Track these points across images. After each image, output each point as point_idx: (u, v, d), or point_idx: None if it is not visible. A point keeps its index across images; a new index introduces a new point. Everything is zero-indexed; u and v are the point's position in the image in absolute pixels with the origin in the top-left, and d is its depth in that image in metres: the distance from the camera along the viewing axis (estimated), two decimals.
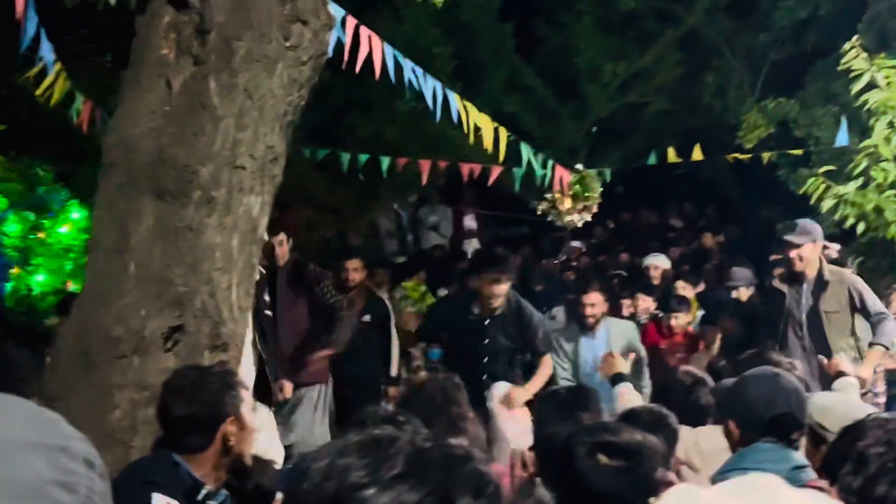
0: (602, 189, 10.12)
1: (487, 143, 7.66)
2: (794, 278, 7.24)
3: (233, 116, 4.09)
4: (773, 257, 10.16)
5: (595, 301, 8.19)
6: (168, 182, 4.01)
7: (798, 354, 7.05)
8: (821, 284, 7.16)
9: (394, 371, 9.37)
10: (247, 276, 4.19)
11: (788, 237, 7.12)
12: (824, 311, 7.10)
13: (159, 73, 4.11)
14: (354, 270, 9.04)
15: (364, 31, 6.33)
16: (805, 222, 7.18)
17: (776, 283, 7.48)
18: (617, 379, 5.75)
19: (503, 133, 7.87)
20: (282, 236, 7.46)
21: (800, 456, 3.60)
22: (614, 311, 9.38)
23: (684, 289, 10.42)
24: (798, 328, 7.29)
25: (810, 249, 7.10)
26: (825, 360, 6.33)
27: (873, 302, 7.07)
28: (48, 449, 1.15)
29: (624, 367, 5.93)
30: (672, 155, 9.45)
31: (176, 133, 4.04)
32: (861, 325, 7.31)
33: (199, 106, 4.06)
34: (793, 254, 7.08)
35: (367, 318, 9.29)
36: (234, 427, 3.70)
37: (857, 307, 7.07)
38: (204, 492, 3.63)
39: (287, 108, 4.28)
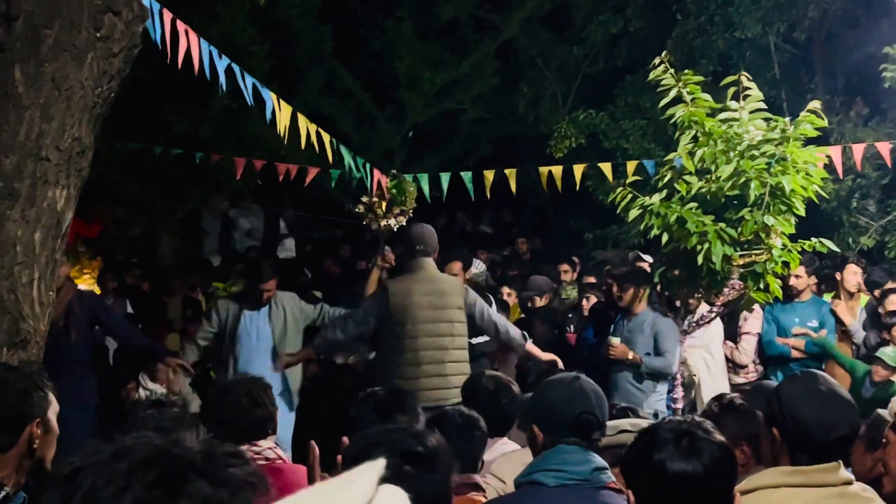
0: (417, 194, 10.18)
1: (306, 143, 7.62)
2: None
3: (38, 107, 3.96)
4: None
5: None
6: None
7: None
8: None
9: None
10: (50, 271, 4.06)
11: None
12: None
13: None
14: None
15: (181, 26, 6.21)
16: None
17: None
18: None
19: (324, 135, 7.83)
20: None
21: (600, 458, 3.70)
22: None
23: (509, 295, 10.51)
24: None
25: None
26: None
27: None
28: None
29: None
30: (488, 176, 9.68)
31: None
32: None
33: (2, 95, 3.92)
34: None
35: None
36: (39, 430, 3.57)
37: None
38: (2, 494, 3.50)
39: (96, 100, 4.17)
